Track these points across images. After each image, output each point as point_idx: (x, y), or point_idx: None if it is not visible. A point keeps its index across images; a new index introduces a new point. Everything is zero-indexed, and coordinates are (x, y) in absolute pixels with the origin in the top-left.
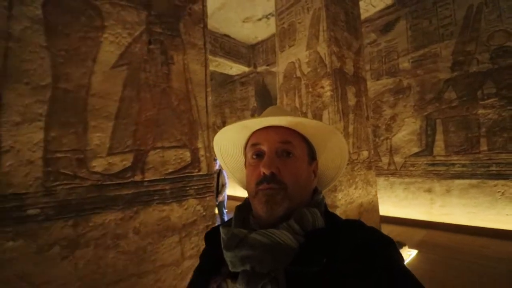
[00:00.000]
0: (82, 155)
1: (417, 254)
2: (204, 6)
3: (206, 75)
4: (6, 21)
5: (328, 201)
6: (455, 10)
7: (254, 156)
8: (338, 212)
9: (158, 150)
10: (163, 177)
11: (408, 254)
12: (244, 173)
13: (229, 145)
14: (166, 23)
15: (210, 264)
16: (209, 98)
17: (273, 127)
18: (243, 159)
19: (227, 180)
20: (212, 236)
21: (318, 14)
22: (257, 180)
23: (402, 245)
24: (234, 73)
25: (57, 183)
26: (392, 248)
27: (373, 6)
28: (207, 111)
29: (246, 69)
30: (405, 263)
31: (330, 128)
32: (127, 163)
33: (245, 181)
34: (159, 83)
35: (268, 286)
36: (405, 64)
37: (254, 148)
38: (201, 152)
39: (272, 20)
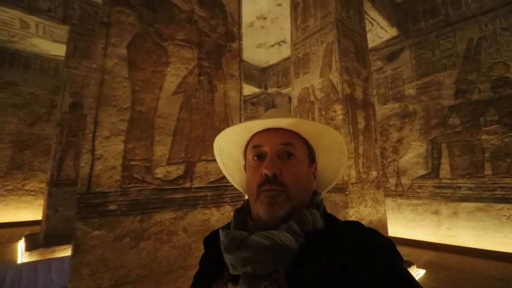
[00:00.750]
0: (149, 163)
1: (426, 274)
2: (240, 44)
3: (240, 100)
4: (102, 58)
5: (339, 217)
6: (456, 42)
7: (255, 158)
8: None
9: (203, 162)
10: (206, 185)
11: (417, 274)
12: (244, 175)
13: (229, 146)
14: (212, 59)
15: (211, 269)
16: (243, 119)
17: (274, 129)
18: (243, 161)
19: None
20: (211, 240)
21: (331, 47)
22: (259, 182)
23: (410, 264)
24: (245, 94)
25: (131, 185)
26: (393, 252)
27: (379, 37)
28: None
29: (257, 90)
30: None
31: (331, 130)
32: (180, 172)
33: (245, 184)
34: (206, 107)
35: None
36: (410, 90)
37: (255, 150)
38: None
39: (284, 46)
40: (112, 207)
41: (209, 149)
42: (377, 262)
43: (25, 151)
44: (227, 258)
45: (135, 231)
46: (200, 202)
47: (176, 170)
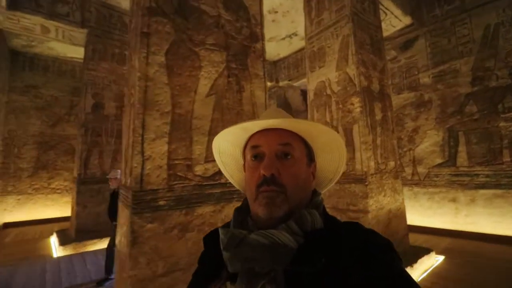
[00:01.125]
0: (190, 162)
1: (444, 259)
2: (263, 44)
3: (265, 99)
4: (145, 67)
5: (360, 206)
6: (473, 29)
7: (253, 158)
8: (369, 216)
9: None
10: None
11: (436, 260)
12: (243, 175)
13: (228, 146)
14: (238, 60)
15: (210, 267)
16: None
17: (272, 129)
18: (242, 161)
19: None
20: (210, 239)
21: (346, 40)
22: (258, 182)
23: (429, 251)
24: None
25: (175, 182)
26: (392, 252)
27: (393, 26)
28: None
29: (268, 83)
30: (432, 267)
31: (329, 130)
32: (216, 169)
33: (244, 183)
34: (235, 107)
35: (267, 286)
36: (425, 79)
37: (253, 150)
38: None
39: (295, 39)
40: (161, 202)
41: None
42: (377, 262)
43: (49, 151)
44: (226, 256)
45: (181, 224)
46: (234, 196)
47: (213, 167)
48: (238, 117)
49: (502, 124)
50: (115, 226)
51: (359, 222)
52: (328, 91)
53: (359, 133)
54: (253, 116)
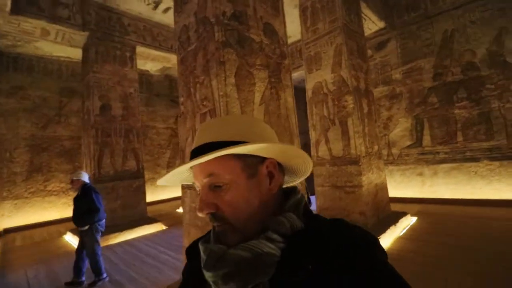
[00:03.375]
0: None
1: (417, 219)
2: (289, 60)
3: (294, 103)
4: (224, 87)
5: (355, 183)
6: (434, 33)
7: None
8: (363, 189)
9: None
10: None
11: (411, 220)
12: None
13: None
14: (275, 75)
15: (193, 282)
16: (296, 117)
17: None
18: None
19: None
20: (193, 251)
21: (339, 48)
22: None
23: (406, 214)
24: None
25: None
26: (378, 248)
27: (369, 29)
28: (296, 126)
29: None
30: (410, 225)
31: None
32: None
33: None
34: (276, 111)
35: None
36: (397, 75)
37: (195, 186)
38: None
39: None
40: None
41: (280, 141)
42: (362, 257)
43: (42, 153)
44: (208, 275)
45: None
46: None
47: None
48: (278, 119)
49: (456, 111)
50: (81, 231)
51: (344, 219)
52: (325, 90)
53: (353, 124)
54: (286, 118)
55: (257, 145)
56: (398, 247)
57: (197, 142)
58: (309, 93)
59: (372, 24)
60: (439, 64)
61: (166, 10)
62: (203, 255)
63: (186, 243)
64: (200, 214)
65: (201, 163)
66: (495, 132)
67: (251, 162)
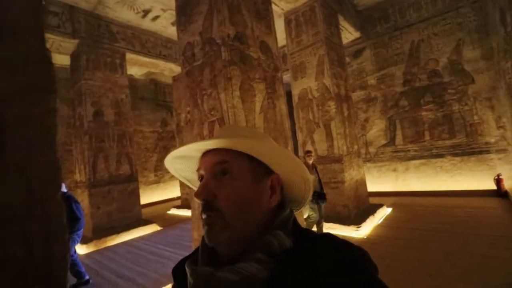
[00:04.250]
0: None
1: (392, 210)
2: (281, 72)
3: (287, 110)
4: (231, 99)
5: (338, 179)
6: (403, 43)
7: (200, 181)
8: (345, 185)
9: None
10: None
11: (387, 210)
12: None
13: (187, 173)
14: (271, 87)
15: None
16: (289, 123)
17: (213, 150)
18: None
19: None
20: (179, 271)
21: (322, 59)
22: (200, 208)
23: (382, 205)
24: None
25: None
26: (368, 263)
27: (346, 38)
28: (289, 130)
29: None
30: (386, 215)
31: (279, 149)
32: None
33: None
34: (273, 119)
35: None
36: (372, 80)
37: (198, 173)
38: None
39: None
40: None
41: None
42: (354, 275)
43: None
44: None
45: None
46: None
47: None
48: (275, 125)
49: (424, 113)
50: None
51: (332, 233)
52: (310, 96)
53: (335, 127)
54: (281, 123)
55: (293, 154)
56: (377, 233)
57: (221, 135)
58: (295, 99)
59: (348, 34)
60: (408, 71)
61: (154, 18)
62: (190, 279)
63: (196, 235)
64: (196, 199)
65: (219, 149)
66: (457, 131)
67: (259, 171)
